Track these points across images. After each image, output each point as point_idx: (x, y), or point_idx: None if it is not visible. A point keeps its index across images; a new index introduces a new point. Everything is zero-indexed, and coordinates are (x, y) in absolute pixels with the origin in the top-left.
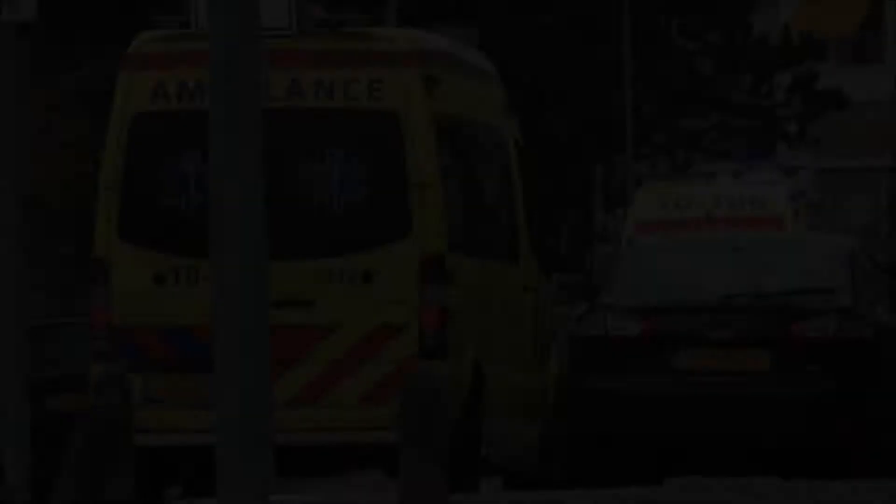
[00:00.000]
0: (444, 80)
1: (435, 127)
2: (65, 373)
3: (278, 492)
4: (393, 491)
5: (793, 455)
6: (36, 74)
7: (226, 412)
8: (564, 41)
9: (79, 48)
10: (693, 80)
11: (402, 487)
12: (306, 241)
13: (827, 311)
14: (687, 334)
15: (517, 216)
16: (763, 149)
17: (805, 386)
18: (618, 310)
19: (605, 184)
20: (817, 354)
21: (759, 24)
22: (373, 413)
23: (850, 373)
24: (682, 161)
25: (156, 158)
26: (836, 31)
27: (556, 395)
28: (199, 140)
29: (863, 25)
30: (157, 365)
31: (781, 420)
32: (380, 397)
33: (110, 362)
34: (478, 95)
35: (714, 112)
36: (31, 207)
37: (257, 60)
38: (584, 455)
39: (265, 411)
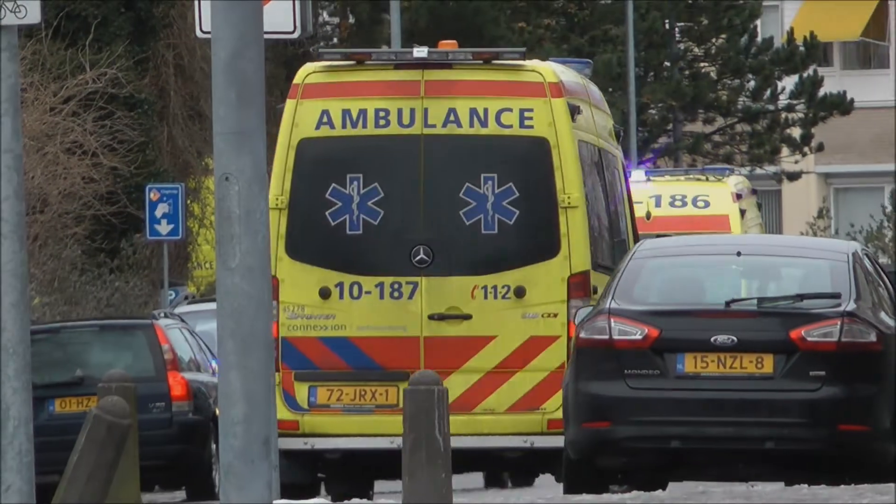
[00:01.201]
0: (582, 109)
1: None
2: (67, 377)
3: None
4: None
5: (796, 460)
6: (41, 77)
7: (230, 416)
8: (569, 45)
9: (83, 51)
10: (697, 85)
11: (406, 488)
12: (464, 259)
13: (831, 316)
14: (691, 339)
15: (628, 233)
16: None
17: (809, 391)
18: (621, 315)
19: None
20: (821, 359)
21: (763, 29)
22: (523, 420)
23: (853, 378)
24: (688, 166)
25: (320, 181)
26: (840, 36)
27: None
28: (360, 164)
29: (867, 30)
30: (321, 374)
31: (785, 425)
32: (530, 405)
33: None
34: (599, 123)
35: (718, 117)
36: (36, 210)
37: (260, 62)
38: (587, 460)
39: (268, 416)
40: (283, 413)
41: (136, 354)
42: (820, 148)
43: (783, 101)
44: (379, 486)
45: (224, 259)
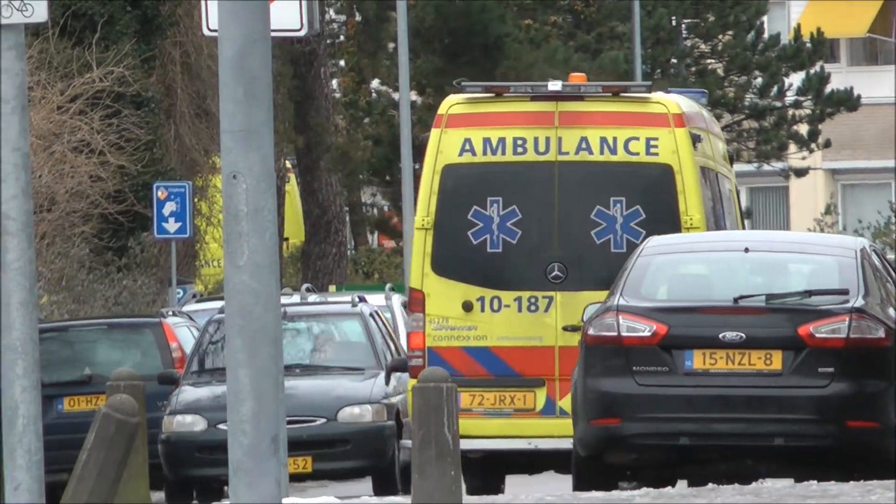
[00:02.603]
0: (702, 137)
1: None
2: (75, 375)
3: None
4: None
5: (805, 457)
6: (48, 76)
7: (238, 414)
8: (575, 42)
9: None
10: (704, 82)
11: (416, 487)
12: (594, 275)
13: (839, 313)
14: (699, 336)
15: None
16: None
17: (817, 387)
18: (630, 311)
19: None
20: (830, 356)
21: (770, 25)
22: None
23: (862, 374)
24: None
25: (463, 203)
26: (847, 33)
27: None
28: (499, 188)
29: (873, 27)
30: (464, 380)
31: (794, 422)
32: None
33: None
34: (716, 148)
35: (725, 113)
36: (43, 209)
37: (267, 60)
38: (596, 456)
39: (276, 413)
40: None
41: (144, 352)
42: (827, 144)
43: (790, 97)
44: (509, 480)
45: (232, 257)
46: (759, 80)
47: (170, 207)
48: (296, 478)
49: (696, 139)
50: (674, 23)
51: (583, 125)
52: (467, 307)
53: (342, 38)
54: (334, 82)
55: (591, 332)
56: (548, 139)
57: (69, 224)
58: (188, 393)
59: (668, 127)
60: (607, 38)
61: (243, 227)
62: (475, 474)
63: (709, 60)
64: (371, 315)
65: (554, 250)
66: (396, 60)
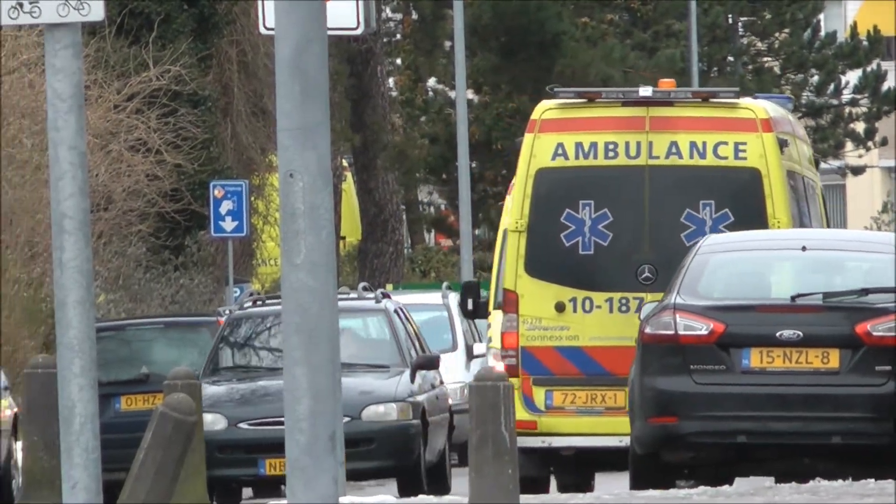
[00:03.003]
0: (788, 141)
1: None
2: (132, 374)
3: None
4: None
5: (862, 455)
6: (105, 75)
7: (295, 412)
8: (632, 40)
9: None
10: (761, 80)
11: (473, 486)
12: None
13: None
14: (756, 334)
15: None
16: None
17: (875, 386)
18: (687, 310)
19: None
20: (887, 354)
21: (826, 23)
22: None
23: None
24: None
25: (555, 206)
26: None
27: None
28: (591, 191)
29: None
30: (556, 379)
31: (851, 420)
32: None
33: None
34: (802, 152)
35: None
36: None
37: (323, 59)
38: (653, 455)
39: (333, 411)
40: (521, 414)
41: (201, 351)
42: (884, 142)
43: (846, 95)
44: (599, 477)
45: (289, 255)
46: (816, 78)
47: (226, 206)
48: None
49: (783, 144)
50: (730, 21)
51: (673, 130)
52: (560, 308)
53: (399, 36)
54: (391, 81)
55: (648, 330)
56: (639, 144)
57: (126, 223)
58: (208, 391)
59: (756, 132)
60: (663, 35)
61: (300, 226)
62: (567, 471)
63: (765, 58)
64: (395, 311)
65: (644, 252)
66: (453, 58)
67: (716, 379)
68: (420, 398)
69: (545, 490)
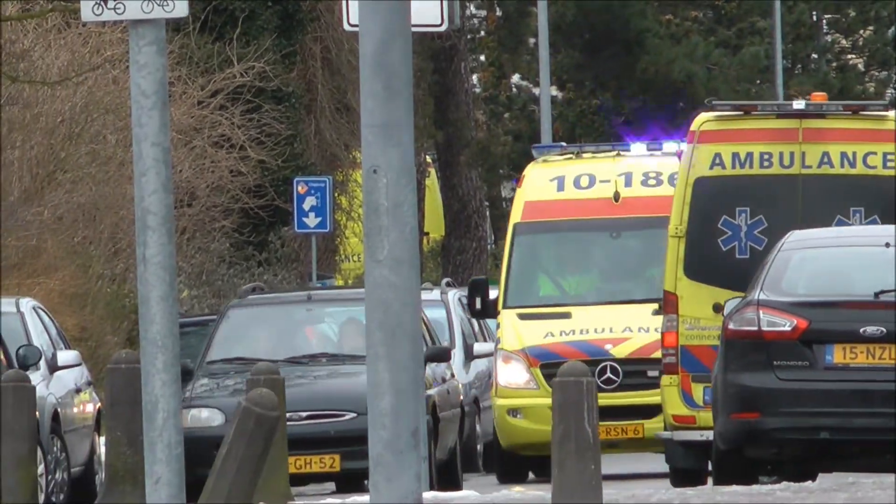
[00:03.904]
0: None
1: None
2: None
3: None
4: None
5: None
6: (189, 71)
7: (378, 407)
8: (716, 38)
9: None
10: (845, 77)
11: (556, 480)
12: None
13: None
14: (840, 330)
15: None
16: None
17: None
18: (770, 306)
19: None
20: None
21: None
22: None
23: None
24: None
25: (713, 213)
26: None
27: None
28: (747, 199)
29: None
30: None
31: None
32: None
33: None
34: None
35: None
36: (184, 204)
37: (407, 55)
38: (736, 451)
39: (416, 407)
40: (681, 409)
41: None
42: None
43: None
44: None
45: (372, 251)
46: None
47: (310, 202)
48: (321, 478)
49: None
50: (814, 18)
51: (825, 141)
52: (717, 309)
53: (483, 33)
54: (474, 77)
55: (731, 326)
56: (792, 154)
57: (209, 219)
58: (204, 385)
59: None
60: (748, 33)
61: (383, 222)
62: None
63: (849, 56)
64: None
65: None
66: (537, 55)
67: (799, 375)
68: (430, 392)
69: (703, 482)
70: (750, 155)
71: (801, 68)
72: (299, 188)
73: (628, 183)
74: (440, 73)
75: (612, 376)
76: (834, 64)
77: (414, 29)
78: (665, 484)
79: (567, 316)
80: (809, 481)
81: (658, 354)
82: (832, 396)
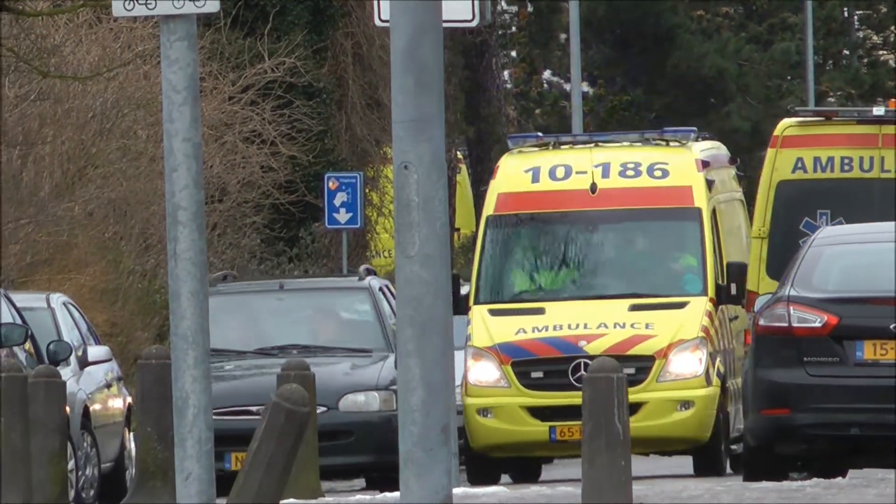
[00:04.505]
0: None
1: None
2: None
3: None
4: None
5: None
6: (220, 66)
7: (408, 403)
8: (747, 33)
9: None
10: (876, 73)
11: (586, 475)
12: None
13: None
14: (870, 326)
15: None
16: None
17: None
18: (801, 302)
19: None
20: None
21: None
22: None
23: None
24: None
25: (795, 215)
26: None
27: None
28: (828, 201)
29: None
30: None
31: None
32: None
33: None
34: None
35: None
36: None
37: (439, 50)
38: (767, 447)
39: (447, 403)
40: None
41: None
42: None
43: None
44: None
45: (403, 247)
46: None
47: (341, 198)
48: None
49: None
50: (846, 14)
51: (879, 147)
52: None
53: (514, 28)
54: (505, 73)
55: (761, 322)
56: (871, 158)
57: (240, 214)
58: None
59: None
60: (779, 29)
61: (414, 218)
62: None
63: (880, 52)
64: (381, 290)
65: None
66: (568, 51)
67: (829, 371)
68: None
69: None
70: (831, 159)
71: (832, 64)
72: (330, 184)
73: (606, 174)
74: (471, 68)
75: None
76: (865, 60)
77: (445, 24)
78: (692, 481)
79: (540, 311)
80: (840, 477)
81: (634, 351)
82: (862, 392)
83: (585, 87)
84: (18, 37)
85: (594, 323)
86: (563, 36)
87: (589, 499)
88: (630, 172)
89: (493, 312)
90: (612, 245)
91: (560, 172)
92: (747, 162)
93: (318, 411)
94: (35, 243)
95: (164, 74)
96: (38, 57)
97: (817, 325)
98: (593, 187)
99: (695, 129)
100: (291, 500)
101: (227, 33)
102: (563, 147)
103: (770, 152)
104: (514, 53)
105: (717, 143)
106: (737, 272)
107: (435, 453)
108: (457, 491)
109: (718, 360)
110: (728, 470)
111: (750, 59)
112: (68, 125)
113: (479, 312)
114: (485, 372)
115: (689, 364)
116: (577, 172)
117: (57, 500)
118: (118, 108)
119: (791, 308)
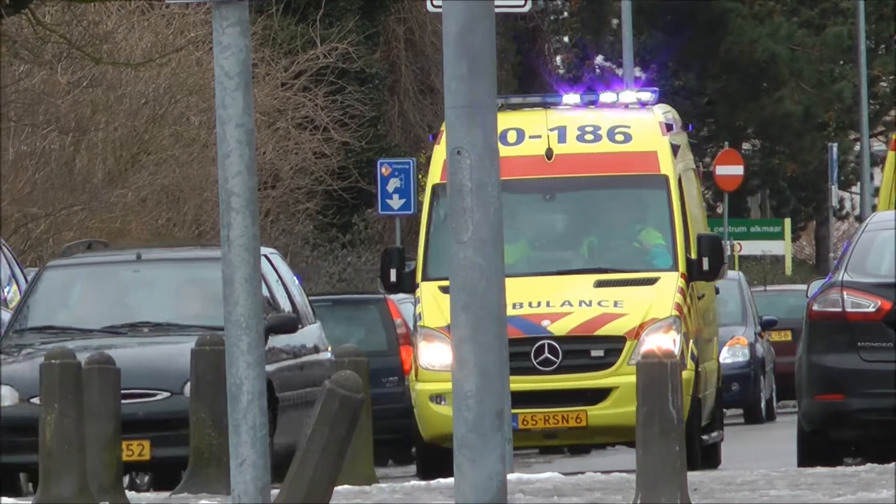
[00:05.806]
0: None
1: None
2: None
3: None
4: None
5: None
6: (272, 52)
7: (463, 389)
8: (799, 18)
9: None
10: None
11: (640, 461)
12: None
13: None
14: None
15: None
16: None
17: None
18: (854, 287)
19: (841, 161)
20: None
21: None
22: None
23: None
24: None
25: None
26: None
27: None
28: None
29: None
30: None
31: None
32: None
33: None
34: None
35: None
36: (268, 186)
37: (491, 36)
38: (821, 432)
39: (501, 389)
40: None
41: (368, 329)
42: None
43: None
44: None
45: (456, 232)
46: None
47: (394, 184)
48: (130, 467)
49: None
50: None
51: None
52: None
53: (566, 14)
54: (558, 58)
55: (815, 307)
56: None
57: (293, 200)
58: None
59: None
60: (831, 13)
61: (467, 203)
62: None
63: None
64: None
65: None
66: (620, 36)
67: (883, 356)
68: (269, 368)
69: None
70: None
71: (884, 48)
72: (383, 170)
73: (562, 139)
74: (523, 53)
75: (550, 356)
76: None
77: (497, 10)
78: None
79: None
80: (894, 462)
81: (602, 332)
82: None
83: (637, 73)
84: (71, 23)
85: (557, 301)
86: (615, 21)
87: (643, 486)
88: (589, 136)
89: (445, 290)
90: (571, 216)
91: (512, 136)
92: (797, 147)
93: (160, 397)
94: (88, 230)
95: (217, 60)
96: (91, 43)
97: (871, 309)
98: (549, 153)
99: (656, 89)
100: (346, 486)
101: (280, 19)
102: (513, 109)
103: (890, 156)
104: (566, 39)
105: (669, 107)
106: (709, 245)
107: (489, 438)
108: (510, 477)
109: (692, 341)
110: (698, 461)
111: (802, 43)
112: (121, 112)
113: (428, 290)
114: (438, 354)
115: (663, 345)
116: (530, 137)
117: (111, 487)
118: (171, 95)
119: (845, 293)
